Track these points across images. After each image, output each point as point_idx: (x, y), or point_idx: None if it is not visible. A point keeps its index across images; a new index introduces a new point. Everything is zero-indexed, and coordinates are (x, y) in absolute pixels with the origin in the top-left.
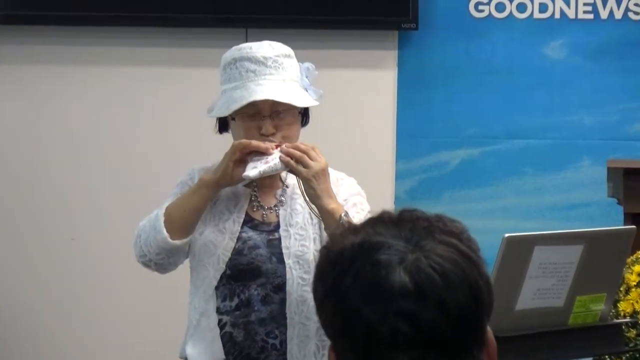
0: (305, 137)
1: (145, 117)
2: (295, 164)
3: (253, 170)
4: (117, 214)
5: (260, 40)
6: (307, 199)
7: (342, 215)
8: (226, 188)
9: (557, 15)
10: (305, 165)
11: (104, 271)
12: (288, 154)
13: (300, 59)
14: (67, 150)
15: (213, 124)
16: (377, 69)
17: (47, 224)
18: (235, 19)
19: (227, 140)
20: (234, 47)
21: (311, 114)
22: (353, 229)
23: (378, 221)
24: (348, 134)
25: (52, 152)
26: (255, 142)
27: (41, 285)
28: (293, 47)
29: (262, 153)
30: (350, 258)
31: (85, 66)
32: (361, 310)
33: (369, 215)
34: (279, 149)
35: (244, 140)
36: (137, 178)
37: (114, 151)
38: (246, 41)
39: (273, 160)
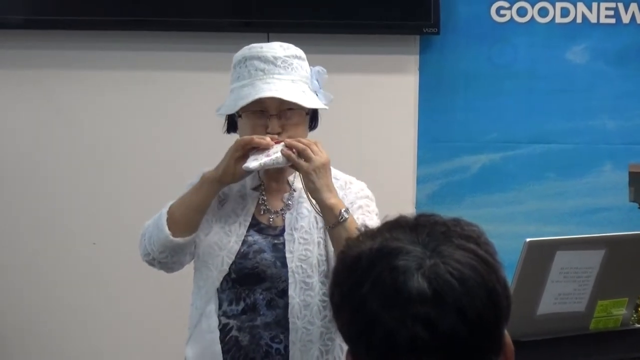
0: (327, 141)
1: (167, 122)
2: (296, 157)
3: (254, 162)
4: (138, 218)
5: None
6: (308, 194)
7: (343, 210)
8: (234, 191)
9: (579, 20)
10: (307, 159)
11: (125, 276)
12: (290, 147)
13: (321, 64)
14: (87, 155)
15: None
16: (398, 73)
17: (68, 229)
18: (257, 24)
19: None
20: (245, 47)
21: (333, 118)
22: (370, 233)
23: (395, 226)
24: (369, 139)
25: (73, 156)
26: (257, 138)
27: (63, 290)
28: (315, 52)
29: (263, 149)
30: (368, 263)
31: (106, 71)
32: (379, 315)
33: (386, 219)
34: (281, 143)
35: (245, 137)
36: (159, 183)
37: (135, 156)
38: None
39: (274, 153)
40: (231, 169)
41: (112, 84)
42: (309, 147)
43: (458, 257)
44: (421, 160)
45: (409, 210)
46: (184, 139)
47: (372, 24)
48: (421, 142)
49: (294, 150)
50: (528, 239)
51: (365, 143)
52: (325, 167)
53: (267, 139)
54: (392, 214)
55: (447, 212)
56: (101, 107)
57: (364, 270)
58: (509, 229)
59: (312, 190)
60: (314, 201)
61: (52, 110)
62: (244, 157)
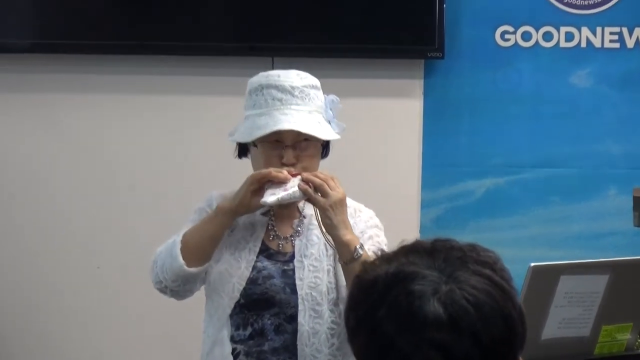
0: (331, 165)
1: (170, 145)
2: (313, 192)
3: (271, 197)
4: (143, 242)
5: (286, 68)
6: (323, 228)
7: (357, 247)
8: (244, 217)
9: (583, 44)
10: (324, 194)
11: (130, 300)
12: (307, 182)
13: (326, 88)
14: (93, 179)
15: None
16: (403, 97)
17: (73, 252)
18: (261, 48)
19: (245, 167)
20: (262, 74)
21: (337, 142)
22: (386, 257)
23: (412, 250)
24: (374, 163)
25: (78, 180)
26: (274, 172)
27: (66, 313)
28: (319, 76)
29: (280, 182)
30: (384, 288)
31: (110, 94)
32: (395, 340)
33: (403, 243)
34: (298, 177)
35: (263, 170)
36: (165, 206)
37: (139, 180)
38: (272, 69)
39: (292, 187)
40: (247, 201)
41: (116, 108)
42: (326, 183)
43: (474, 282)
44: (425, 185)
45: (413, 234)
46: (188, 162)
47: (376, 48)
48: (425, 166)
49: (310, 184)
50: (532, 264)
51: (369, 167)
52: (342, 203)
53: (285, 172)
54: (401, 238)
55: (451, 236)
56: (104, 132)
57: (380, 294)
58: (513, 253)
59: (329, 226)
60: (329, 237)
61: (58, 134)
62: (260, 189)
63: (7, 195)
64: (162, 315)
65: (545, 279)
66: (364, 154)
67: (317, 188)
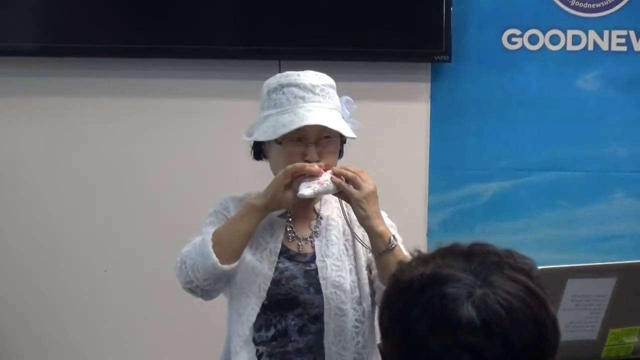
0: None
1: (178, 149)
2: (346, 185)
3: (307, 189)
4: (150, 246)
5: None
6: (348, 220)
7: (391, 237)
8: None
9: (590, 48)
10: (357, 187)
11: (137, 304)
12: (339, 175)
13: None
14: (98, 182)
15: (245, 154)
16: (410, 101)
17: (80, 257)
18: (268, 51)
19: (260, 171)
20: (279, 75)
21: (345, 146)
22: (423, 258)
23: (449, 253)
24: (381, 166)
25: (83, 184)
26: (308, 166)
27: (74, 318)
28: None
29: (311, 176)
30: (419, 289)
31: (117, 98)
32: (427, 341)
33: (441, 245)
34: (329, 171)
35: (297, 164)
36: (172, 210)
37: (146, 184)
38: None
39: (325, 181)
40: (279, 197)
41: (123, 111)
42: (358, 175)
43: (508, 288)
44: (433, 188)
45: (420, 238)
46: (195, 166)
47: (383, 51)
48: (432, 169)
49: (342, 177)
50: (539, 267)
51: (376, 171)
52: (374, 195)
53: (317, 166)
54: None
55: (458, 240)
56: (112, 135)
57: (415, 295)
58: None
59: (363, 217)
60: (354, 228)
61: (64, 137)
62: (291, 184)
63: (14, 197)
64: (170, 318)
65: (552, 282)
66: (371, 158)
67: (349, 181)
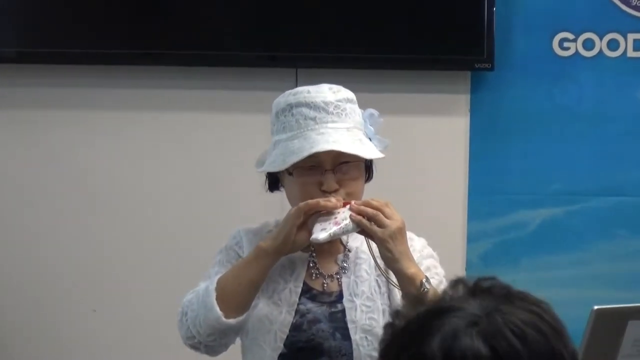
0: (364, 193)
1: (181, 169)
2: (368, 223)
3: (322, 232)
4: (140, 285)
5: (312, 81)
6: (378, 262)
7: (424, 281)
8: None
9: None
10: (380, 225)
11: (126, 344)
12: (359, 212)
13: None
14: (87, 214)
15: (257, 176)
16: (446, 115)
17: (68, 296)
18: (284, 58)
19: (275, 196)
20: (288, 92)
21: (374, 167)
22: (419, 299)
23: (450, 286)
24: (412, 190)
25: (70, 217)
26: (322, 202)
27: (63, 358)
28: (348, 90)
29: (329, 213)
30: (415, 328)
31: (110, 111)
32: None
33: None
34: (347, 207)
35: (310, 201)
36: (165, 245)
37: (142, 209)
38: (296, 82)
39: (343, 220)
40: (292, 239)
41: (118, 126)
42: (381, 211)
43: (520, 315)
44: (472, 215)
45: (458, 272)
46: (201, 189)
47: (415, 58)
48: (472, 193)
49: (364, 215)
50: (596, 307)
51: (407, 195)
52: (401, 232)
53: (333, 200)
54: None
55: (502, 275)
56: (103, 154)
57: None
58: (573, 294)
59: (389, 259)
60: (388, 272)
61: (46, 156)
62: (304, 223)
63: None
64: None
65: (610, 325)
66: (401, 180)
67: (371, 218)
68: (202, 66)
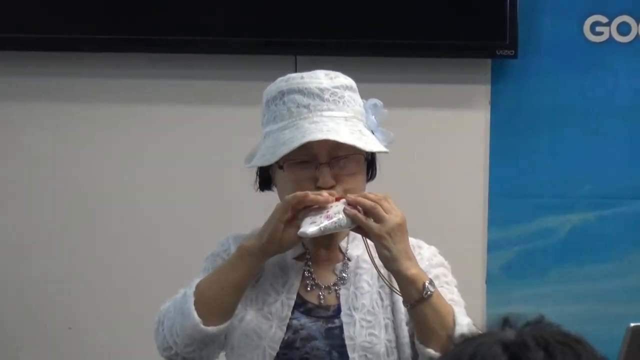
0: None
1: (171, 169)
2: (364, 218)
3: (312, 226)
4: (118, 301)
5: (313, 70)
6: (381, 272)
7: (427, 283)
8: (271, 262)
9: None
10: (378, 220)
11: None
12: (354, 205)
13: (363, 95)
14: (64, 224)
15: (251, 174)
16: (463, 107)
17: (43, 313)
18: (282, 44)
19: (275, 195)
20: (280, 79)
21: (379, 164)
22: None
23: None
24: (424, 192)
25: (47, 227)
26: (312, 195)
27: None
28: (354, 80)
29: (320, 208)
30: None
31: (93, 103)
32: None
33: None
34: (342, 200)
35: (297, 193)
36: (144, 256)
37: (127, 214)
38: (295, 71)
39: (336, 214)
40: (278, 236)
41: (101, 119)
42: (379, 204)
43: (550, 334)
44: (493, 221)
45: (477, 286)
46: (193, 190)
47: (427, 44)
48: (493, 197)
49: (359, 208)
50: (632, 324)
51: (418, 198)
52: (401, 229)
53: (325, 194)
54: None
55: (527, 287)
56: (83, 152)
57: None
58: (607, 309)
59: (387, 259)
60: (382, 271)
61: (18, 155)
62: (293, 220)
63: None
64: None
65: None
66: (411, 181)
67: (368, 212)
68: (191, 53)
